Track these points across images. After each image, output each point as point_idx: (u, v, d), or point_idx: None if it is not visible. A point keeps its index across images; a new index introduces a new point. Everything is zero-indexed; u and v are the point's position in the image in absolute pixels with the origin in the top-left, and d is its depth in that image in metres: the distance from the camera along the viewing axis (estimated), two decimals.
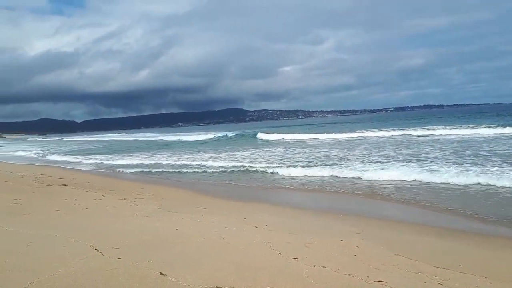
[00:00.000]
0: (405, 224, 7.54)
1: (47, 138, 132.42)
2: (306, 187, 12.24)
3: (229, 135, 48.43)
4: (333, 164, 15.75)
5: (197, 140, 46.17)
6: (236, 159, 20.86)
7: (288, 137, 38.41)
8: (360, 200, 10.21)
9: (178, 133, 73.10)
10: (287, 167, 15.94)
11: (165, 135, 65.38)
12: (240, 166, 17.15)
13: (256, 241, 5.91)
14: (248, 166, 17.11)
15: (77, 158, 27.77)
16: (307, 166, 16.01)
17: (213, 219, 7.60)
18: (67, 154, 32.63)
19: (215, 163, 19.09)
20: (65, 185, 12.81)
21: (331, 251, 5.47)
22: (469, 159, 14.50)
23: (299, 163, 17.53)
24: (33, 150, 43.42)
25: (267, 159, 20.06)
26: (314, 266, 4.70)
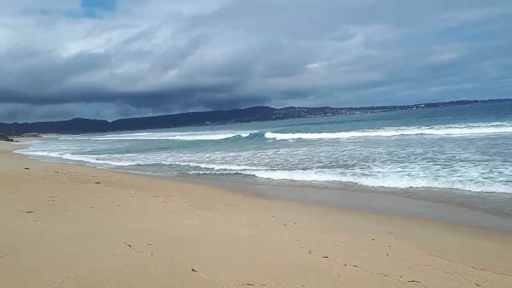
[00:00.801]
0: (438, 223, 7.33)
1: (77, 137, 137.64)
2: (332, 185, 12.10)
3: (250, 135, 47.84)
4: (354, 165, 15.26)
5: (218, 139, 46.42)
6: (255, 159, 20.62)
7: (311, 136, 37.33)
8: (390, 198, 10.01)
9: (201, 132, 74.28)
10: (304, 169, 15.28)
11: (185, 135, 66.64)
12: (254, 169, 16.21)
13: (285, 239, 5.89)
14: (262, 168, 16.61)
15: (89, 158, 28.80)
16: (327, 167, 15.48)
17: (242, 217, 7.63)
18: (90, 154, 33.65)
19: (235, 167, 17.82)
20: (98, 183, 13.18)
21: (362, 250, 5.39)
22: (500, 158, 13.89)
23: (321, 163, 16.96)
24: (59, 149, 45.43)
25: (286, 159, 19.68)
26: (345, 265, 4.65)
